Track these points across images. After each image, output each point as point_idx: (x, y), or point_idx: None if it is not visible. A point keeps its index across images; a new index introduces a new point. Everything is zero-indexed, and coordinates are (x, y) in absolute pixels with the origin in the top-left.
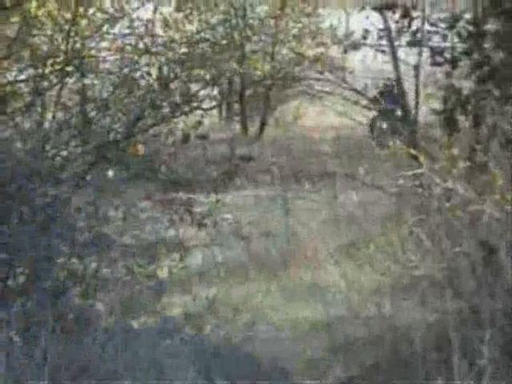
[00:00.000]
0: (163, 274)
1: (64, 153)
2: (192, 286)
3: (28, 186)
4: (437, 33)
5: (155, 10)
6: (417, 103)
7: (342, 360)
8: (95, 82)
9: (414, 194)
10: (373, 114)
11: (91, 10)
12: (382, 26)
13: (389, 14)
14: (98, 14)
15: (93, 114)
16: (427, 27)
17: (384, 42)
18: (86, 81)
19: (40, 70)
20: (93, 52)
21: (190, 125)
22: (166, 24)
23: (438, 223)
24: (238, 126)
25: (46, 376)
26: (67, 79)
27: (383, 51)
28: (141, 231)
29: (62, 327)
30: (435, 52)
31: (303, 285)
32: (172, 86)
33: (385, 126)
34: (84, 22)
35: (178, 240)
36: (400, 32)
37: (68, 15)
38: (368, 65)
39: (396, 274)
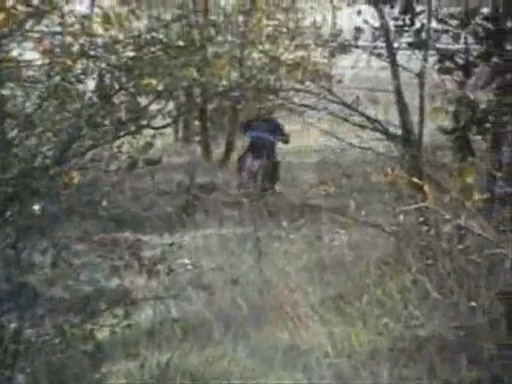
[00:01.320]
0: (103, 334)
1: None
2: (140, 349)
3: None
4: (446, 32)
5: (93, 3)
6: (421, 120)
7: None
8: (17, 92)
9: (418, 234)
10: (368, 134)
11: (10, 1)
12: (377, 24)
13: (386, 8)
14: (20, 7)
15: (14, 133)
16: (434, 25)
17: (380, 43)
18: (5, 91)
19: None
20: (13, 54)
21: (137, 147)
22: (106, 21)
23: (448, 270)
24: (198, 149)
25: None
26: None
27: (379, 55)
28: (75, 281)
29: None
30: (444, 56)
31: (280, 347)
32: (115, 98)
33: (256, 165)
34: (1, 16)
35: (122, 291)
36: (400, 31)
37: None
38: (360, 72)
39: (396, 334)
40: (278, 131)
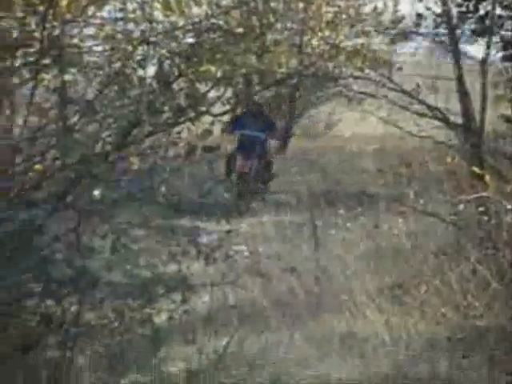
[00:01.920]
0: (161, 319)
1: (38, 167)
2: (197, 335)
3: None
4: (511, 18)
5: None
6: (483, 108)
7: None
8: (78, 78)
9: (478, 223)
10: (428, 122)
11: None
12: (439, 10)
13: None
14: None
15: (75, 119)
16: (498, 11)
17: (442, 30)
18: (67, 77)
19: (8, 63)
20: (75, 41)
21: (196, 134)
22: (167, 7)
23: (509, 260)
24: None
25: None
26: (43, 74)
27: (441, 42)
28: (134, 266)
29: None
30: (508, 43)
31: (337, 335)
32: (175, 85)
33: (247, 166)
34: (64, 2)
35: (180, 277)
36: (463, 18)
37: None
38: (421, 60)
39: (455, 323)
40: (269, 127)
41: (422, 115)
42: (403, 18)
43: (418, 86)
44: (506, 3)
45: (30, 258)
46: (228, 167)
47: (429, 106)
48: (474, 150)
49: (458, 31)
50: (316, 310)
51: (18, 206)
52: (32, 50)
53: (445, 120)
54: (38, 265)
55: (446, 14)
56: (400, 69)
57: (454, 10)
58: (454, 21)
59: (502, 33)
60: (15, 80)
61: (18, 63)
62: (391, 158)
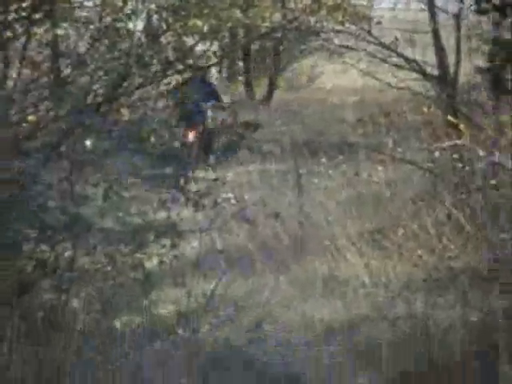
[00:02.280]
0: (152, 263)
1: (32, 118)
2: (186, 278)
3: None
4: None
5: None
6: (457, 60)
7: (365, 368)
8: (70, 32)
9: (453, 170)
10: (406, 74)
11: None
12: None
13: None
14: None
15: (67, 71)
16: None
17: None
18: (59, 31)
19: (1, 17)
20: None
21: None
22: None
23: (481, 204)
24: (241, 88)
25: None
26: (35, 29)
27: None
28: (125, 213)
29: (28, 328)
30: None
31: (319, 278)
32: (163, 38)
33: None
34: None
35: (169, 223)
36: None
37: None
38: (398, 14)
39: (430, 265)
40: (211, 96)
41: (399, 67)
42: None
43: (396, 39)
44: None
45: (25, 205)
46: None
47: (406, 59)
48: (449, 101)
49: None
50: (299, 253)
51: (12, 156)
52: (24, 4)
53: (422, 72)
54: (32, 212)
55: None
56: (379, 23)
57: None
58: None
59: None
60: (8, 34)
61: (10, 18)
62: (371, 108)
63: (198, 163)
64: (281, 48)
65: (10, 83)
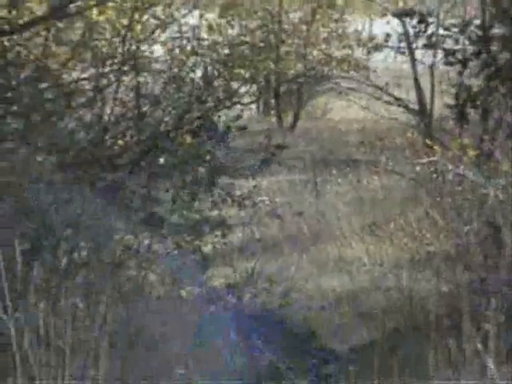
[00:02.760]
0: (207, 248)
1: (121, 142)
2: (233, 259)
3: (89, 171)
4: (450, 36)
5: (201, 17)
6: (432, 99)
7: (365, 325)
8: (148, 79)
9: (430, 179)
10: (395, 109)
11: (145, 17)
12: (401, 31)
13: (407, 19)
14: (152, 20)
15: (146, 107)
16: (441, 31)
17: (403, 44)
18: (140, 78)
19: (100, 70)
20: (146, 53)
21: (231, 117)
22: (210, 28)
23: (450, 205)
24: (273, 119)
25: (105, 338)
26: (124, 77)
27: (402, 52)
28: (188, 211)
29: (119, 295)
30: (448, 53)
31: (331, 259)
32: (215, 83)
33: None
34: (139, 27)
35: (220, 219)
36: (417, 35)
37: (125, 21)
38: (389, 65)
39: (413, 249)
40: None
41: (390, 104)
42: (376, 36)
43: (386, 83)
44: (445, 26)
45: (117, 205)
46: None
47: (395, 98)
48: (426, 128)
49: (414, 45)
50: (316, 241)
51: (107, 170)
52: (116, 60)
53: (406, 107)
54: (122, 210)
55: (405, 33)
56: (374, 71)
57: (411, 31)
58: (411, 38)
59: (444, 46)
60: (104, 82)
61: (106, 70)
62: (369, 134)
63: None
64: (302, 89)
65: (106, 117)
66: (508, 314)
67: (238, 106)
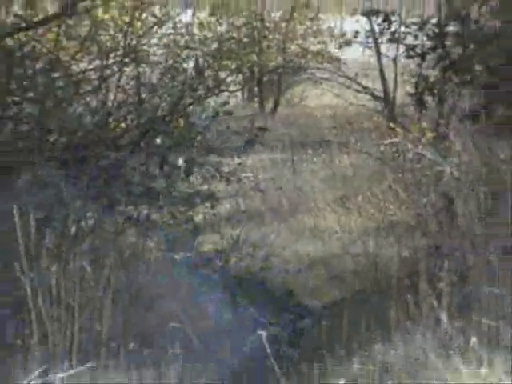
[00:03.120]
0: (199, 218)
1: (123, 125)
2: (221, 228)
3: (95, 151)
4: (410, 33)
5: (193, 15)
6: (395, 87)
7: (336, 285)
8: (147, 70)
9: (393, 158)
10: (363, 96)
11: (144, 15)
12: (368, 28)
13: (373, 18)
14: (150, 18)
15: (145, 95)
16: (403, 29)
17: (370, 40)
18: (140, 69)
19: (104, 61)
20: (145, 47)
21: (219, 104)
22: (201, 25)
23: (410, 180)
24: (256, 105)
25: (109, 296)
26: (125, 68)
27: (369, 47)
28: (181, 185)
29: (121, 259)
30: (409, 48)
31: (307, 228)
32: (206, 73)
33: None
34: (139, 24)
35: (210, 192)
36: (382, 32)
37: (126, 19)
38: (357, 58)
39: (378, 219)
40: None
41: (358, 92)
42: (346, 32)
43: (356, 74)
44: (406, 24)
45: (119, 181)
46: None
47: (363, 86)
48: (390, 113)
49: (379, 40)
50: (294, 212)
51: (110, 149)
52: (119, 53)
53: (372, 95)
54: (123, 185)
55: (372, 30)
56: (345, 63)
57: (377, 28)
58: (377, 34)
59: (405, 42)
60: (108, 72)
61: (110, 61)
62: (340, 119)
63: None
64: (282, 79)
65: (109, 103)
66: (459, 275)
67: (226, 94)
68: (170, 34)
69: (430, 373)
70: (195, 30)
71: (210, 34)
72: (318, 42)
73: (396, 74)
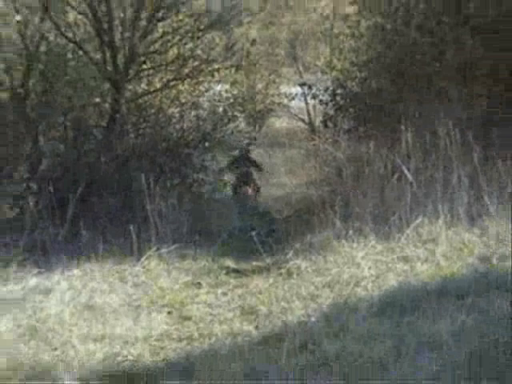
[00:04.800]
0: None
1: (190, 137)
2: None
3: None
4: (320, 94)
5: None
6: (314, 117)
7: (289, 208)
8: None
9: (314, 152)
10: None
11: None
12: (301, 91)
13: (304, 87)
14: None
15: (201, 123)
16: (317, 92)
17: (302, 97)
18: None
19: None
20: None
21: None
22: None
23: (320, 160)
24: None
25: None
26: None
27: (302, 100)
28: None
29: (191, 196)
30: (320, 101)
31: (274, 183)
32: (229, 113)
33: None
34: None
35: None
36: (307, 93)
37: None
38: (297, 104)
39: (307, 178)
40: None
41: (298, 120)
42: (292, 93)
43: (296, 112)
44: (319, 90)
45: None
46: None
47: (299, 118)
48: (311, 130)
49: (307, 97)
50: (269, 174)
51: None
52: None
53: (304, 121)
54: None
55: (303, 91)
56: (292, 107)
57: (306, 91)
58: (306, 93)
59: (319, 98)
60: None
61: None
62: (289, 133)
63: None
64: (264, 115)
65: (185, 126)
66: (343, 204)
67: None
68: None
69: (334, 248)
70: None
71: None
72: (280, 98)
73: (314, 112)
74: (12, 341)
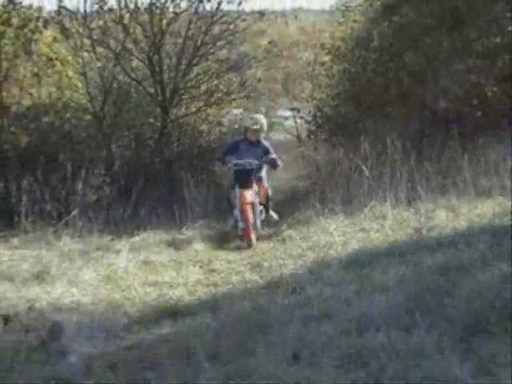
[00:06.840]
0: None
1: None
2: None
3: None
4: (305, 115)
5: None
6: (302, 132)
7: (295, 184)
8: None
9: (300, 154)
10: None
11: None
12: (289, 114)
13: (293, 111)
14: None
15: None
16: (303, 114)
17: (292, 118)
18: None
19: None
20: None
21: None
22: None
23: (303, 160)
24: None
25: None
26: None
27: (293, 120)
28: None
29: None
30: (305, 120)
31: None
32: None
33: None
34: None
35: None
36: (295, 116)
37: None
38: (290, 123)
39: (299, 170)
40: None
41: (290, 134)
42: (284, 116)
43: (288, 130)
44: (301, 116)
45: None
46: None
47: (291, 133)
48: (299, 141)
49: (296, 118)
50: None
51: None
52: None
53: (293, 135)
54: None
55: (293, 115)
56: (286, 126)
57: (295, 114)
58: (294, 116)
59: (304, 118)
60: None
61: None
62: (286, 144)
63: None
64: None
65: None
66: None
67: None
68: None
69: (314, 222)
70: None
71: None
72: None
73: (301, 128)
74: (94, 285)
